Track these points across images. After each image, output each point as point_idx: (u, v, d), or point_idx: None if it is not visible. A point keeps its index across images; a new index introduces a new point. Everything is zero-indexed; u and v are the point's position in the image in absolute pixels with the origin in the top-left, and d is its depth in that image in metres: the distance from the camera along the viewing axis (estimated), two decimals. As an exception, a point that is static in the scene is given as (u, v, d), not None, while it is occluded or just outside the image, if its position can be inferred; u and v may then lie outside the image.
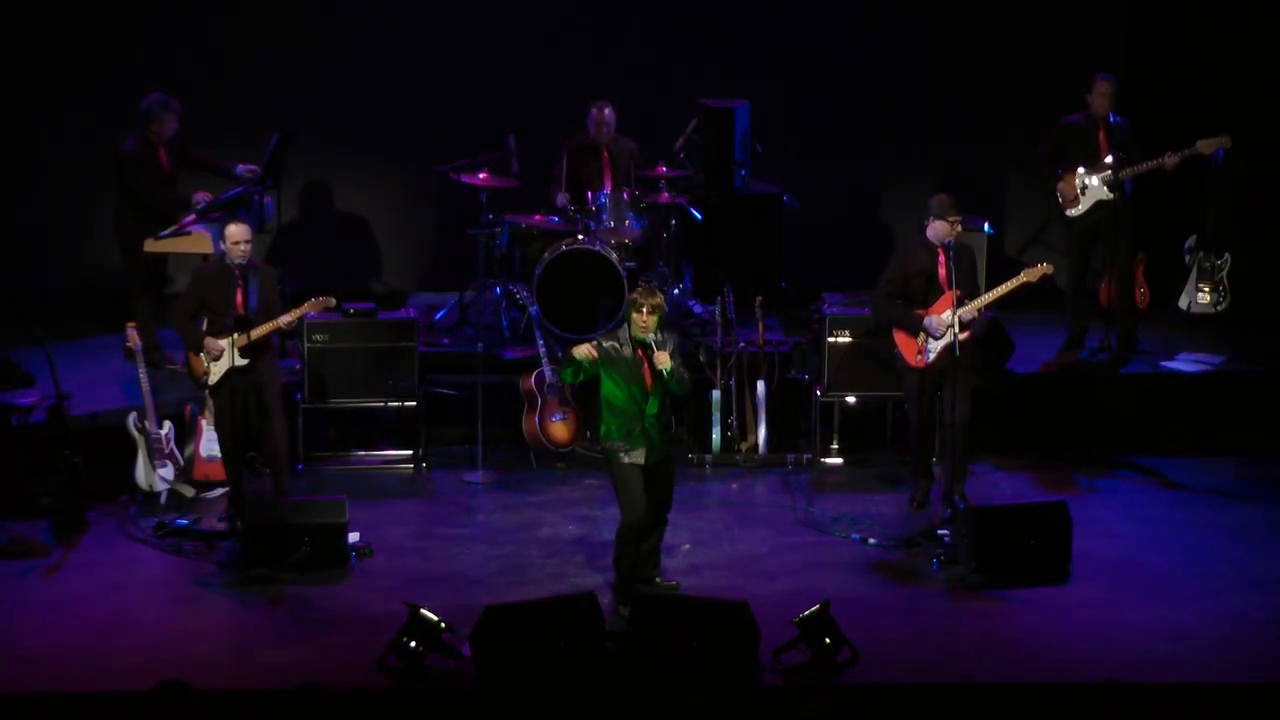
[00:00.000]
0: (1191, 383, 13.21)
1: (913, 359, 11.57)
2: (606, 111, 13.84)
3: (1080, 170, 13.10)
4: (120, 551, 11.24)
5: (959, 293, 11.29)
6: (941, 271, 11.44)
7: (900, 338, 11.64)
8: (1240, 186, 14.53)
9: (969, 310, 11.33)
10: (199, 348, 11.30)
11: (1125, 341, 13.46)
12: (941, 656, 9.80)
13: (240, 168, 13.02)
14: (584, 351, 10.21)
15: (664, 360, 10.10)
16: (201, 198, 12.91)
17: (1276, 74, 14.86)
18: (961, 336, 11.29)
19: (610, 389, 10.27)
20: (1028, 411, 13.09)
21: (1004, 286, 11.46)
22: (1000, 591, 10.57)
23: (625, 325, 10.28)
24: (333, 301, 11.53)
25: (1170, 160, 12.97)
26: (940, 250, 11.44)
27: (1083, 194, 13.16)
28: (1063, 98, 13.58)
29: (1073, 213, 13.24)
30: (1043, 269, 11.47)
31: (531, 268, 13.39)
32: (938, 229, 11.42)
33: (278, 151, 13.08)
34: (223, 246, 11.36)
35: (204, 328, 11.32)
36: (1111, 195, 13.06)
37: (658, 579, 10.55)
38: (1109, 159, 13.04)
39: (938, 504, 11.61)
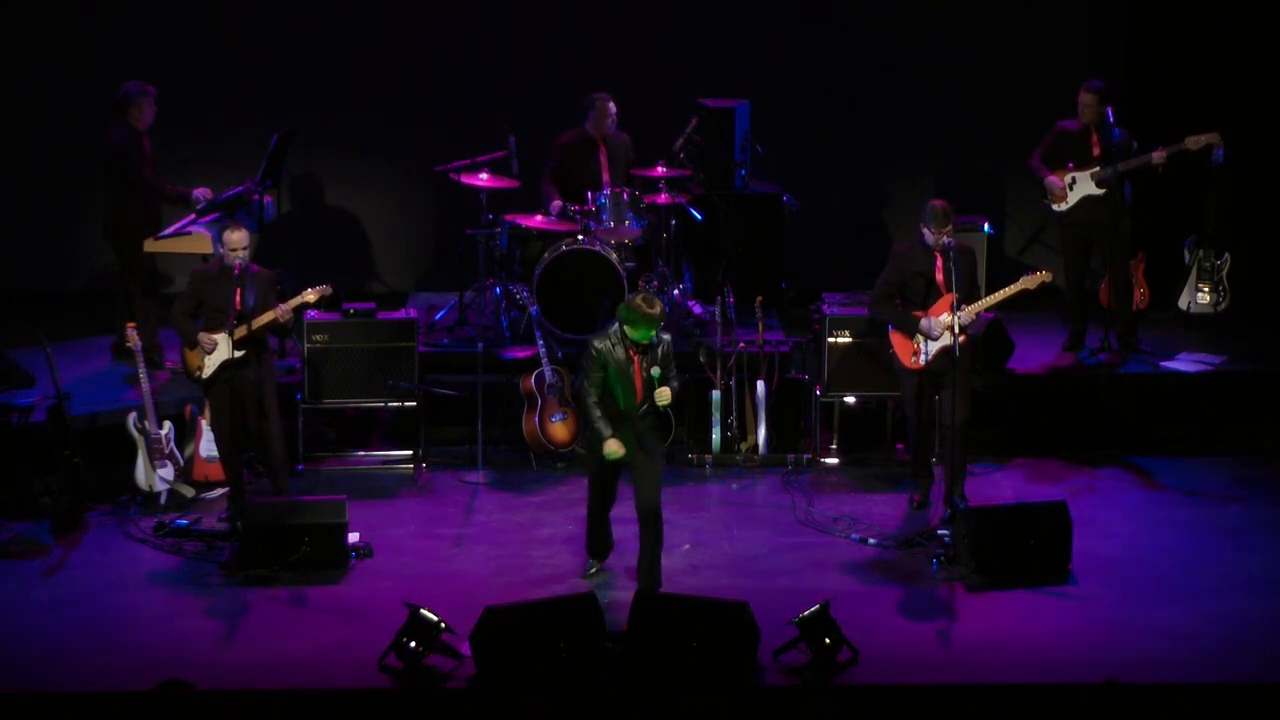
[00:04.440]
0: (1191, 383, 13.21)
1: (908, 360, 11.57)
2: (610, 104, 13.80)
3: (1070, 166, 13.15)
4: (120, 551, 11.24)
5: (957, 296, 11.28)
6: (939, 274, 11.44)
7: (896, 339, 11.63)
8: (1240, 186, 14.54)
9: (967, 315, 11.31)
10: (195, 344, 11.33)
11: (1125, 341, 13.46)
12: (941, 656, 9.80)
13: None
14: (614, 449, 10.31)
15: (665, 396, 10.26)
16: (202, 193, 12.91)
17: (1276, 73, 14.87)
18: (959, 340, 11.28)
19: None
20: (1028, 411, 13.09)
21: (1002, 293, 11.45)
22: (1000, 591, 10.57)
23: (617, 325, 10.31)
24: (329, 290, 11.52)
25: (1158, 156, 12.98)
26: (937, 253, 11.43)
27: (1071, 188, 13.18)
28: (1063, 98, 13.58)
29: (1059, 208, 13.27)
30: (1041, 276, 11.46)
31: (531, 268, 13.38)
32: (926, 236, 11.43)
33: (277, 152, 13.09)
34: (221, 249, 11.39)
35: (201, 326, 11.35)
36: (1100, 191, 13.08)
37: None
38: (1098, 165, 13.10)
39: (938, 504, 11.62)
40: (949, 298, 11.33)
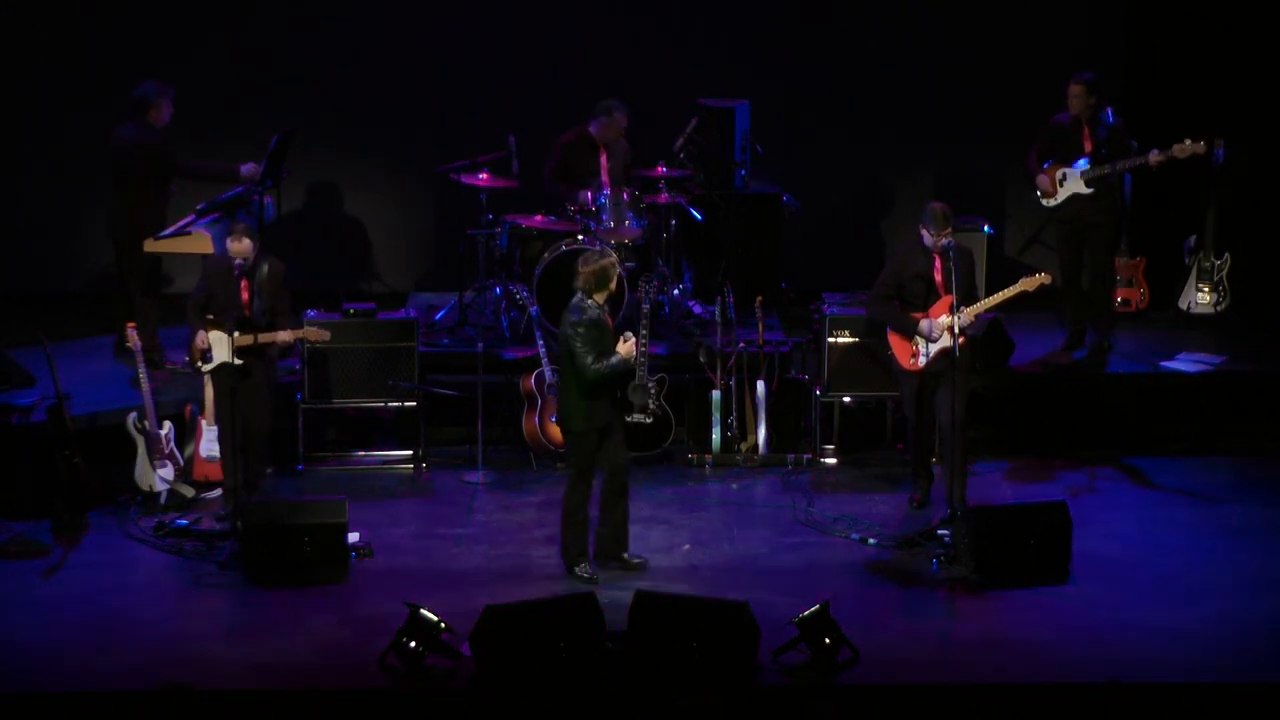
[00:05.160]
0: (1191, 383, 13.22)
1: (905, 362, 11.56)
2: (618, 115, 13.74)
3: (1060, 164, 13.17)
4: (120, 551, 11.24)
5: (956, 297, 11.27)
6: (937, 276, 11.44)
7: (894, 340, 11.63)
8: (1240, 186, 14.55)
9: (965, 317, 11.31)
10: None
11: (1102, 336, 13.45)
12: (941, 656, 9.80)
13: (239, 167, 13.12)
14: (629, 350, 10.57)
15: (630, 350, 10.53)
16: (249, 170, 12.94)
17: (1276, 73, 14.87)
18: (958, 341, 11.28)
19: None
20: (1028, 411, 13.09)
21: (1000, 295, 11.45)
22: (1000, 591, 10.57)
23: (580, 298, 10.51)
24: (327, 335, 11.83)
25: (1155, 158, 12.99)
26: (936, 255, 11.43)
27: (1060, 185, 13.21)
28: (1063, 98, 13.59)
29: (1048, 203, 13.31)
30: (1040, 279, 11.45)
31: (531, 268, 13.38)
32: (925, 238, 11.43)
33: (277, 151, 13.10)
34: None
35: (211, 320, 11.45)
36: (1088, 190, 13.10)
37: (625, 555, 10.73)
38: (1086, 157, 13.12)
39: (938, 504, 11.62)
40: (948, 299, 11.33)
